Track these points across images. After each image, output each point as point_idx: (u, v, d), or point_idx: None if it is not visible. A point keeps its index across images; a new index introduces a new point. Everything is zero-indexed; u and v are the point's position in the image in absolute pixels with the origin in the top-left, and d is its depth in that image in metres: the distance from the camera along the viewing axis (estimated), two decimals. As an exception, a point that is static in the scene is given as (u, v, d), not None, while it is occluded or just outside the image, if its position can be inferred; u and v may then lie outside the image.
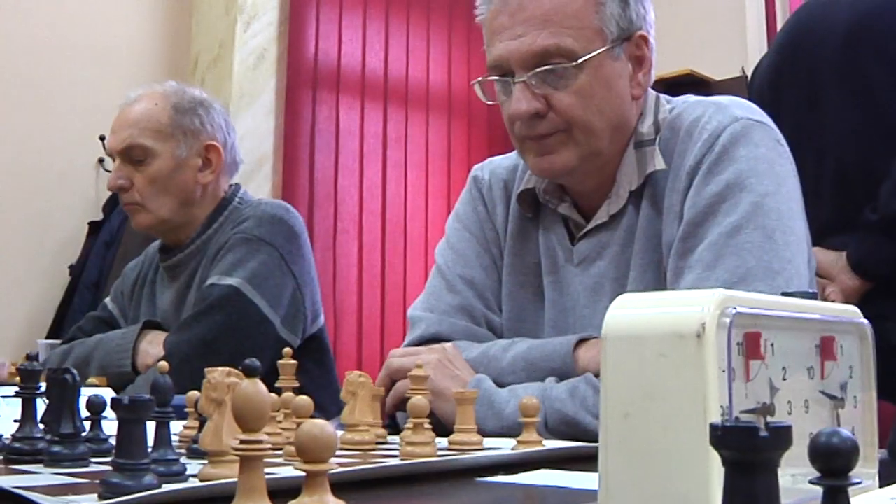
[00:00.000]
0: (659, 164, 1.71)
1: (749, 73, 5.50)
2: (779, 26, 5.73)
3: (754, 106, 1.76)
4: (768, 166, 1.63)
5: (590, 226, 1.79)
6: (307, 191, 5.09)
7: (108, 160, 4.29)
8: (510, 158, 1.99)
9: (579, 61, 1.67)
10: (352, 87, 5.36)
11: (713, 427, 0.47)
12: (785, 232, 1.58)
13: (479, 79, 1.80)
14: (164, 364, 1.05)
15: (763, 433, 0.46)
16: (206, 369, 0.90)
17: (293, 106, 5.11)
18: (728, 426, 0.46)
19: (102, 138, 4.46)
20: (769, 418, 0.70)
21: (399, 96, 5.57)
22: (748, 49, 5.67)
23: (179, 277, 2.55)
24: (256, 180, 4.90)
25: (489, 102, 1.81)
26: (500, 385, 1.65)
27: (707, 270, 1.56)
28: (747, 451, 0.46)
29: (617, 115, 1.73)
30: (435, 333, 1.83)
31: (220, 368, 0.90)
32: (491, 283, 1.90)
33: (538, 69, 1.67)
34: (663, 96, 1.83)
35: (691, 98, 1.82)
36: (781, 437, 0.47)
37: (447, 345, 1.75)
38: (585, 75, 1.68)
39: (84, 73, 4.82)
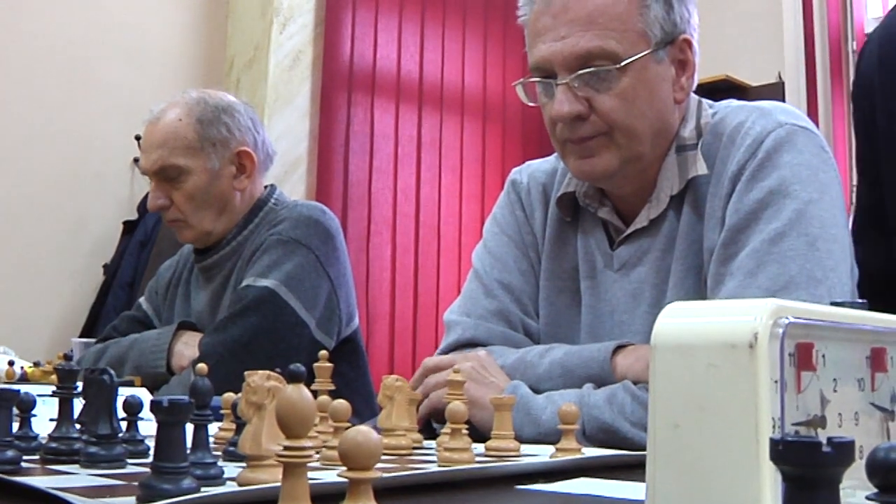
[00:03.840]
0: (701, 168, 1.69)
1: (785, 79, 5.49)
2: (816, 32, 5.70)
3: (798, 111, 1.74)
4: (812, 173, 1.61)
5: (629, 230, 1.77)
6: (341, 193, 5.09)
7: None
8: (549, 162, 1.98)
9: (622, 64, 1.65)
10: (387, 89, 5.36)
11: (773, 442, 0.46)
12: (828, 240, 1.56)
13: (521, 80, 1.79)
14: (202, 366, 1.05)
15: (826, 448, 0.45)
16: (245, 373, 0.90)
17: (328, 108, 5.11)
18: (789, 441, 0.45)
19: (138, 138, 4.48)
20: (821, 431, 0.68)
21: (434, 100, 5.56)
22: (785, 55, 5.63)
23: (215, 278, 2.55)
24: (291, 182, 4.90)
25: (531, 104, 1.79)
26: (537, 391, 1.63)
27: (748, 277, 1.54)
28: (809, 466, 0.45)
29: (659, 118, 1.72)
30: (471, 338, 1.82)
31: (259, 372, 0.89)
32: (528, 287, 1.89)
33: (581, 71, 1.66)
34: (705, 100, 1.81)
35: (734, 103, 1.80)
36: (844, 452, 0.46)
37: (481, 352, 1.74)
38: (628, 78, 1.67)
39: (120, 73, 4.84)
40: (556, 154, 1.89)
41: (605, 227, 1.83)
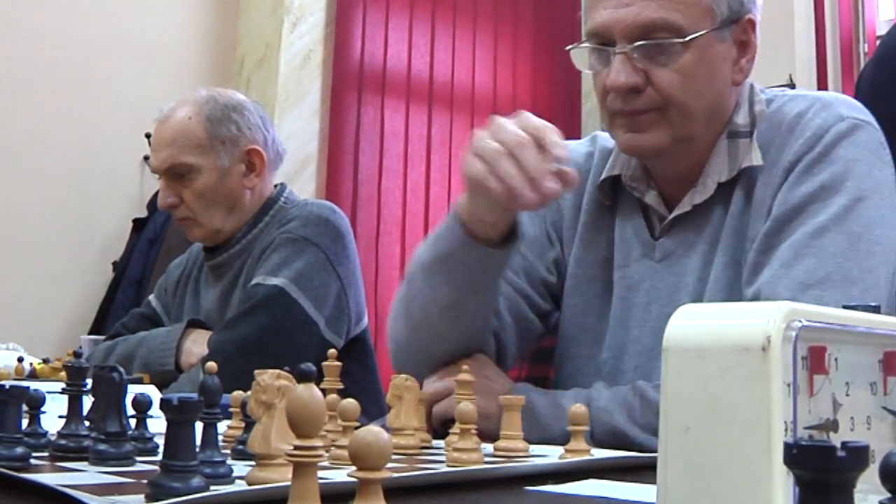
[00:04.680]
0: (756, 159, 1.64)
1: (796, 81, 5.47)
2: (828, 34, 5.68)
3: (859, 104, 1.69)
4: (867, 170, 1.58)
5: (672, 215, 1.71)
6: (351, 192, 5.09)
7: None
8: (584, 145, 1.91)
9: (686, 39, 1.59)
10: (397, 89, 5.36)
11: (788, 446, 0.46)
12: (871, 240, 1.52)
13: (576, 44, 1.71)
14: (212, 364, 1.05)
15: (840, 453, 0.45)
16: (255, 371, 0.89)
17: (338, 107, 5.11)
18: (804, 445, 0.45)
19: (148, 136, 4.48)
20: (833, 435, 0.68)
21: (444, 99, 5.56)
22: (796, 57, 5.61)
23: (224, 276, 2.55)
24: (300, 181, 4.90)
25: (585, 70, 1.72)
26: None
27: (784, 268, 1.51)
28: (824, 471, 0.45)
29: (716, 99, 1.66)
30: None
31: (269, 371, 0.88)
32: (540, 262, 1.84)
33: (642, 42, 1.60)
34: (758, 86, 1.76)
35: (789, 91, 1.76)
36: (859, 457, 0.45)
37: (479, 356, 1.70)
38: (690, 54, 1.60)
39: (131, 71, 4.85)
40: (590, 137, 1.85)
41: (646, 215, 1.77)
